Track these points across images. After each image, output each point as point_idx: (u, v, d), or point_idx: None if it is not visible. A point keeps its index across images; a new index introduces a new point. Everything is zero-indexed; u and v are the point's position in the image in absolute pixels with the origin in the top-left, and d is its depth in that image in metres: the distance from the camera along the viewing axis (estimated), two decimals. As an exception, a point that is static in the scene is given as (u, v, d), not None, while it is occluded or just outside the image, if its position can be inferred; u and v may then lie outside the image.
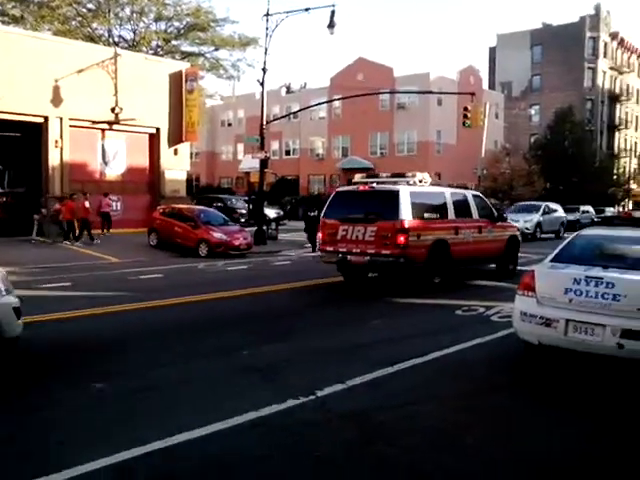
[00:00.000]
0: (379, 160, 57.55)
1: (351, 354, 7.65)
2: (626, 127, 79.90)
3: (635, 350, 6.35)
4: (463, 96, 37.42)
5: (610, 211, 47.78)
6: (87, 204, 22.84)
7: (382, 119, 55.99)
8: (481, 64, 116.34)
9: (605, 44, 74.02)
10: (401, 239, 12.33)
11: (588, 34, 72.43)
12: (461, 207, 14.17)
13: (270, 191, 34.55)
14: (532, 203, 37.25)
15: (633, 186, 72.43)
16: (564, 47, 71.76)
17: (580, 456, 4.89)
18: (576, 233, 8.30)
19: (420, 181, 13.70)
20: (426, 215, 13.06)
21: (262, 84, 25.08)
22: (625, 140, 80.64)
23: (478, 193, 15.76)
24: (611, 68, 75.59)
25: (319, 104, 45.02)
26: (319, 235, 13.68)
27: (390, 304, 11.45)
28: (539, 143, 61.74)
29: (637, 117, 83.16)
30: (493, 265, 15.88)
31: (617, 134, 78.59)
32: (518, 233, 16.31)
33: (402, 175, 14.22)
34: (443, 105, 54.01)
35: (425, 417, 5.56)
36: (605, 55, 74.24)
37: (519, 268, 15.68)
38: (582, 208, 46.51)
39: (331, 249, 13.25)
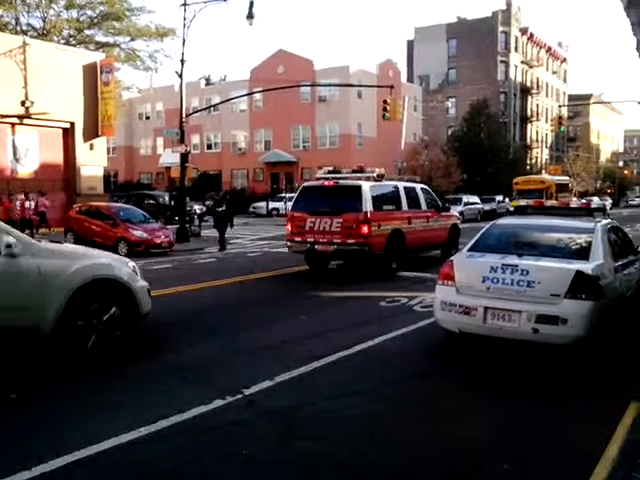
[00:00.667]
0: (302, 153, 57.69)
1: (279, 350, 7.63)
2: (537, 119, 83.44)
3: (549, 334, 6.64)
4: (383, 89, 37.95)
5: (523, 201, 50.01)
6: (27, 204, 22.09)
7: (304, 112, 56.09)
8: (400, 57, 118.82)
9: (516, 38, 76.92)
10: (365, 229, 13.70)
11: (500, 28, 75.05)
12: (412, 199, 15.78)
13: (192, 186, 33.94)
14: (455, 196, 40.25)
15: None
16: (478, 41, 74.09)
17: (505, 436, 5.07)
18: (492, 222, 8.59)
19: (379, 176, 14.94)
20: (384, 207, 14.54)
21: (180, 76, 24.56)
22: (537, 132, 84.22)
23: (425, 186, 17.35)
24: (522, 62, 78.69)
25: (240, 97, 44.61)
26: (288, 227, 14.75)
27: (318, 298, 11.52)
28: (456, 135, 63.55)
29: (547, 109, 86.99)
30: (438, 251, 17.30)
31: (529, 126, 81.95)
32: (459, 222, 18.35)
33: (362, 171, 15.58)
34: (363, 98, 54.66)
35: (351, 409, 5.61)
36: (516, 49, 77.16)
37: (434, 257, 16.12)
38: (498, 198, 48.35)
39: (299, 240, 14.51)
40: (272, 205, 46.82)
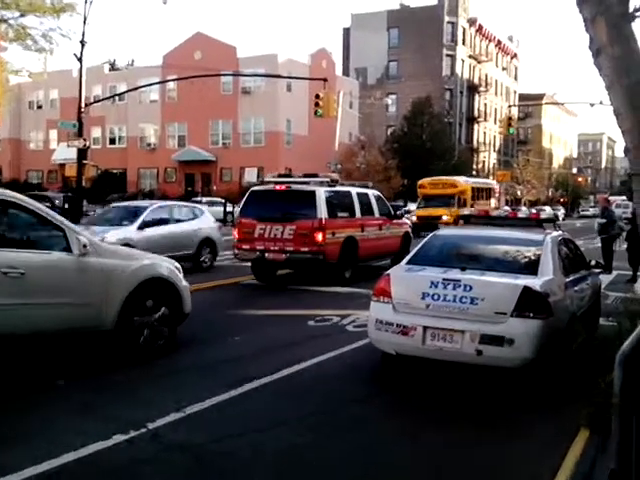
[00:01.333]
0: (222, 151, 57.45)
1: (196, 376, 7.57)
2: (485, 119, 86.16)
3: (494, 357, 6.84)
4: (315, 82, 38.35)
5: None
6: None
7: (224, 105, 55.93)
8: (335, 47, 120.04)
9: (464, 30, 79.21)
10: (319, 237, 14.60)
11: (447, 18, 77.16)
12: (365, 205, 16.83)
13: (91, 187, 33.17)
14: (395, 203, 40.07)
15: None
16: (422, 31, 75.82)
17: (435, 469, 5.20)
18: (432, 233, 8.81)
19: (332, 181, 15.89)
20: (338, 214, 15.50)
21: (80, 59, 24.08)
22: (484, 133, 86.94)
23: (378, 192, 18.41)
24: (470, 56, 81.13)
25: (150, 85, 44.02)
26: (235, 234, 15.48)
27: (244, 317, 11.53)
28: (396, 136, 64.90)
29: (496, 109, 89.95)
30: (388, 260, 17.85)
31: (476, 127, 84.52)
32: (410, 230, 19.59)
33: (315, 175, 16.57)
34: (293, 91, 55.02)
35: (270, 442, 5.61)
36: (464, 42, 79.49)
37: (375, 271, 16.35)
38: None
39: (248, 247, 15.25)
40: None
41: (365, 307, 8.74)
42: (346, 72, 77.25)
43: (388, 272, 7.83)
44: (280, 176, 16.73)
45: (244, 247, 15.29)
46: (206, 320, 10.72)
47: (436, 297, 7.15)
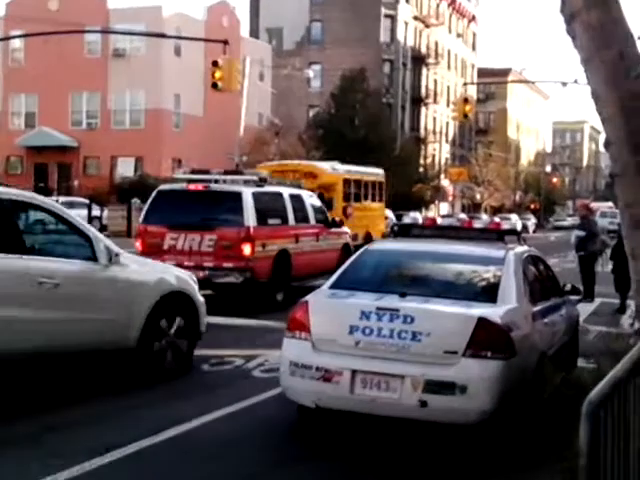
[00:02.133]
0: (86, 135, 56.67)
1: (49, 441, 7.44)
2: (435, 101, 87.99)
3: (442, 409, 6.96)
4: (213, 46, 38.31)
5: (412, 217, 52.19)
6: None
7: (90, 72, 55.17)
8: (240, 0, 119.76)
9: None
10: (247, 250, 15.05)
11: (385, -32, 78.55)
12: (299, 210, 17.42)
13: None
14: None
15: (445, 182, 79.95)
16: (353, -16, 76.88)
17: None
18: (363, 248, 8.93)
19: (261, 180, 16.51)
20: (269, 221, 16.08)
21: None
22: (434, 119, 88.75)
23: (312, 193, 19.13)
24: (415, 18, 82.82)
25: (-13, 43, 43.04)
26: (137, 245, 15.69)
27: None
28: (320, 119, 65.44)
29: (449, 87, 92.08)
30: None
31: (424, 110, 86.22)
32: (350, 240, 20.44)
33: (239, 173, 17.59)
34: (183, 56, 54.85)
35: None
36: (407, 0, 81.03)
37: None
38: (379, 212, 50.15)
39: None
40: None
41: (277, 346, 8.77)
42: (255, 34, 77.53)
43: (306, 298, 7.88)
44: (194, 172, 17.10)
45: None
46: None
47: (368, 331, 7.23)
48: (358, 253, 8.78)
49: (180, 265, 13.96)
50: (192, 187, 15.89)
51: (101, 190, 50.76)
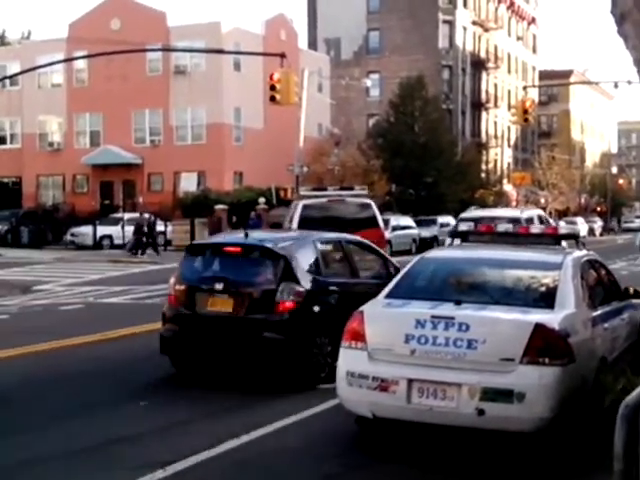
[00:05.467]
0: (150, 151, 57.26)
1: (104, 454, 7.64)
2: (495, 105, 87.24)
3: (500, 417, 6.93)
4: (271, 59, 38.52)
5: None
6: None
7: (152, 89, 55.87)
8: (298, 13, 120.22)
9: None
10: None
11: (442, -27, 78.21)
12: None
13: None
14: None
15: (507, 187, 79.25)
16: (410, -10, 76.68)
17: None
18: (419, 256, 8.94)
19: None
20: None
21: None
22: (495, 123, 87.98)
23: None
24: (474, 23, 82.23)
25: (52, 64, 43.84)
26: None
27: (172, 374, 11.59)
28: (380, 128, 65.40)
29: (509, 92, 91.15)
30: None
31: (484, 115, 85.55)
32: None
33: (350, 188, 21.54)
34: (243, 71, 55.22)
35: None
36: (466, 4, 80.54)
37: None
38: (440, 220, 50.08)
39: None
40: (102, 231, 46.11)
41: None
42: (313, 45, 77.77)
43: (361, 308, 7.92)
44: (315, 190, 20.67)
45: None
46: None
47: (423, 340, 7.25)
48: (413, 262, 8.78)
49: None
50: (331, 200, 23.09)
51: (165, 205, 51.36)
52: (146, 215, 42.17)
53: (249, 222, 41.03)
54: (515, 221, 23.02)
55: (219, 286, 10.65)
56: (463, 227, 10.15)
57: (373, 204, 24.11)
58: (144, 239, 39.91)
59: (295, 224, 22.77)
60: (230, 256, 11.42)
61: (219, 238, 14.67)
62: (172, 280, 11.60)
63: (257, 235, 12.80)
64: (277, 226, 29.58)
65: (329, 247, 12.04)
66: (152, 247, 39.92)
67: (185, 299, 11.10)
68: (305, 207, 22.69)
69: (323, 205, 23.07)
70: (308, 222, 21.69)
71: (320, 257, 11.21)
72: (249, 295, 10.50)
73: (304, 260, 10.87)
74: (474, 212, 32.82)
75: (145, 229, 40.06)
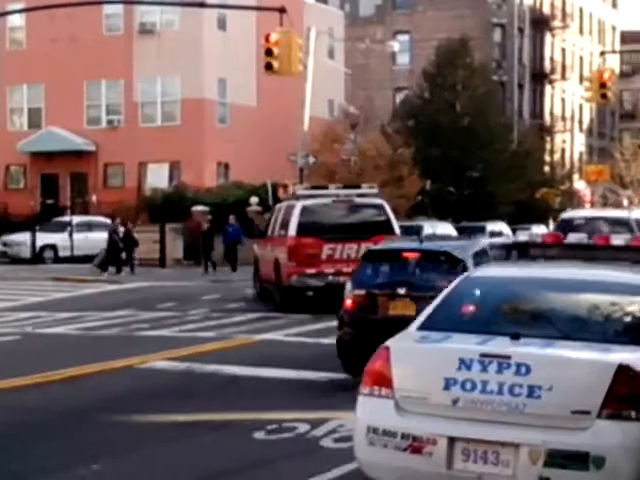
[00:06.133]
0: (107, 135, 57.35)
1: None
2: (563, 77, 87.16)
3: (571, 488, 6.91)
4: (267, 15, 38.60)
5: (534, 232, 51.18)
6: None
7: (110, 54, 55.99)
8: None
9: None
10: None
11: None
12: None
13: None
14: (408, 224, 41.38)
15: (579, 184, 79.08)
16: None
17: None
18: (463, 275, 8.90)
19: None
20: None
21: None
22: (563, 101, 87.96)
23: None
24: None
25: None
26: None
27: (141, 425, 11.86)
28: (410, 106, 65.19)
29: (582, 58, 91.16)
30: None
31: (548, 89, 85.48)
32: None
33: (357, 187, 23.03)
34: (229, 31, 55.37)
35: None
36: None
37: None
38: (490, 228, 49.96)
39: None
40: (44, 240, 46.19)
41: (352, 404, 8.79)
42: (322, -4, 77.86)
43: (387, 343, 7.88)
44: (314, 188, 22.42)
45: None
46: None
47: (469, 386, 7.20)
48: (456, 283, 8.72)
49: (339, 272, 23.94)
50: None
51: (126, 206, 51.33)
52: (118, 221, 42.18)
53: (227, 229, 41.10)
54: (620, 223, 23.58)
55: (401, 290, 14.26)
56: (522, 237, 10.13)
57: (386, 205, 26.18)
58: (122, 252, 39.92)
59: (293, 231, 24.55)
60: (410, 261, 14.97)
61: (395, 244, 18.53)
62: (348, 285, 15.41)
63: (432, 241, 18.00)
64: (261, 234, 30.24)
65: (500, 252, 14.49)
66: (128, 263, 39.92)
67: (365, 303, 14.56)
68: (305, 210, 24.51)
69: (327, 207, 25.24)
70: (309, 228, 24.15)
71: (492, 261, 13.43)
72: (431, 298, 10.71)
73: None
74: (578, 212, 33.78)
75: (118, 239, 40.03)
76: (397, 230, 26.18)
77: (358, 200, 26.22)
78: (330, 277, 25.55)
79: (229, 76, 56.33)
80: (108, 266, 39.08)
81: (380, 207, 26.38)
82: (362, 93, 65.91)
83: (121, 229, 40.89)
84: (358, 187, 28.30)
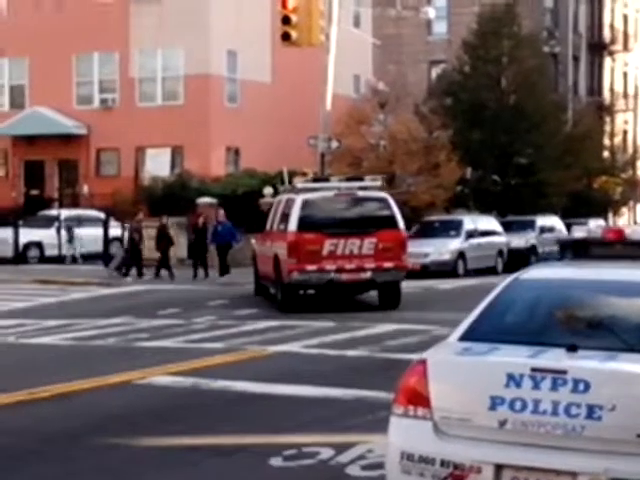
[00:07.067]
0: (100, 117, 57.49)
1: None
2: (626, 47, 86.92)
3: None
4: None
5: (591, 227, 50.64)
6: None
7: (103, 23, 56.12)
8: None
9: None
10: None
11: None
12: None
13: None
14: (446, 218, 41.18)
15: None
16: None
17: None
18: (512, 277, 8.92)
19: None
20: None
21: None
22: (625, 75, 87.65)
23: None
24: None
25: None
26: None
27: (138, 449, 11.85)
28: (448, 82, 65.00)
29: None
30: None
31: (609, 62, 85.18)
32: None
33: (359, 179, 24.61)
34: (241, -4, 55.35)
35: None
36: None
37: (397, 356, 16.74)
38: (540, 222, 49.87)
39: None
40: (28, 236, 46.34)
41: (386, 427, 8.75)
42: (347, -44, 77.80)
43: (423, 356, 7.88)
44: (316, 180, 23.52)
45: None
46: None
47: (519, 406, 7.19)
48: (502, 286, 8.66)
49: (342, 269, 26.70)
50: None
51: (122, 198, 51.41)
52: (141, 216, 42.05)
53: (216, 228, 40.32)
54: None
55: None
56: (578, 233, 10.08)
57: (391, 199, 28.29)
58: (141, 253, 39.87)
59: (293, 226, 26.62)
60: None
61: None
62: None
63: None
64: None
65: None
66: (164, 266, 39.67)
67: None
68: (306, 204, 26.80)
69: (329, 201, 27.59)
70: (310, 223, 26.43)
71: None
72: None
73: None
74: None
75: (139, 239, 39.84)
76: (402, 225, 27.85)
77: (361, 193, 27.98)
78: (332, 274, 27.01)
79: (240, 48, 56.29)
80: (129, 269, 38.97)
81: (384, 201, 28.20)
82: (393, 67, 65.66)
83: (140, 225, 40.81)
84: (361, 179, 30.20)
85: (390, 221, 27.48)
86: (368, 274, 27.25)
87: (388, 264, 27.11)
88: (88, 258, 45.66)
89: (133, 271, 39.19)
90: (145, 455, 11.58)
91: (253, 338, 21.83)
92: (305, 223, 26.91)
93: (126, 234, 41.27)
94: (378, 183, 30.00)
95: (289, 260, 26.82)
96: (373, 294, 29.13)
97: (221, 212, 42.33)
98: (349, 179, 30.21)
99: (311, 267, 26.81)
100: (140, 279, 38.44)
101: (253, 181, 48.98)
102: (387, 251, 27.06)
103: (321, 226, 27.24)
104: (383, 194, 28.94)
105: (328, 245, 26.76)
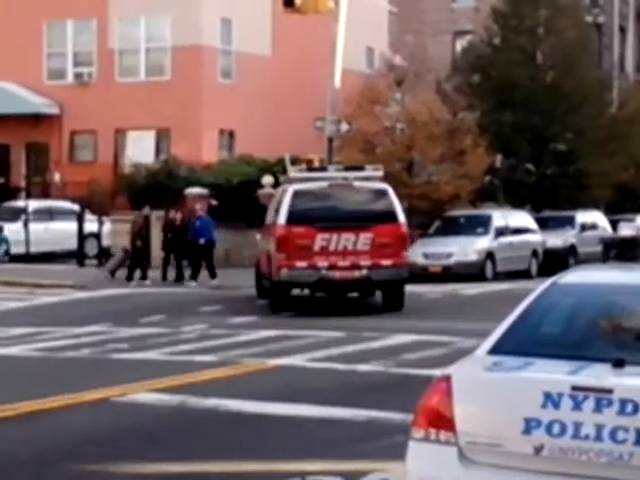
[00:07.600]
0: (74, 93, 57.55)
1: None
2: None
3: None
4: None
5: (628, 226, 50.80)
6: None
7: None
8: None
9: None
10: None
11: None
12: None
13: None
14: (472, 213, 41.20)
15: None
16: None
17: None
18: (549, 282, 8.91)
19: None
20: None
21: None
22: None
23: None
24: None
25: None
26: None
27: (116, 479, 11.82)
28: (476, 57, 64.94)
29: None
30: None
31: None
32: None
33: (360, 169, 25.86)
34: (236, -45, 55.40)
35: None
36: None
37: (416, 372, 16.78)
38: (580, 218, 49.85)
39: None
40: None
41: (402, 453, 8.75)
42: None
43: (447, 372, 7.87)
44: (310, 170, 25.33)
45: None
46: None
47: (557, 429, 7.19)
48: (538, 292, 8.64)
49: (334, 265, 27.53)
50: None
51: (99, 187, 51.40)
52: (147, 210, 41.90)
53: (194, 224, 39.64)
54: None
55: None
56: (625, 231, 10.10)
57: (391, 190, 29.18)
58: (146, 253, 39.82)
59: (283, 219, 27.18)
60: None
61: None
62: None
63: None
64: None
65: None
66: (138, 265, 39.54)
67: None
68: (296, 195, 27.42)
69: (322, 192, 28.56)
70: (301, 216, 26.90)
71: None
72: None
73: None
74: None
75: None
76: (402, 219, 28.45)
77: (358, 184, 28.89)
78: (323, 271, 27.61)
79: (235, 15, 56.34)
80: (133, 272, 38.63)
81: (383, 192, 29.35)
82: (411, 39, 65.75)
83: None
84: (361, 169, 31.04)
85: (389, 214, 28.22)
86: (363, 272, 27.72)
87: (386, 261, 27.61)
88: (60, 257, 45.70)
89: (137, 274, 38.79)
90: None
91: (250, 350, 21.82)
92: (295, 216, 27.55)
93: (124, 230, 41.05)
94: (380, 173, 30.66)
95: (278, 256, 27.52)
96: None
97: (198, 206, 41.65)
98: (348, 168, 31.15)
99: (301, 263, 27.49)
100: (143, 283, 38.29)
101: (250, 169, 48.91)
102: (385, 247, 27.62)
103: (313, 219, 27.86)
104: (382, 185, 29.73)
105: (320, 240, 27.41)
